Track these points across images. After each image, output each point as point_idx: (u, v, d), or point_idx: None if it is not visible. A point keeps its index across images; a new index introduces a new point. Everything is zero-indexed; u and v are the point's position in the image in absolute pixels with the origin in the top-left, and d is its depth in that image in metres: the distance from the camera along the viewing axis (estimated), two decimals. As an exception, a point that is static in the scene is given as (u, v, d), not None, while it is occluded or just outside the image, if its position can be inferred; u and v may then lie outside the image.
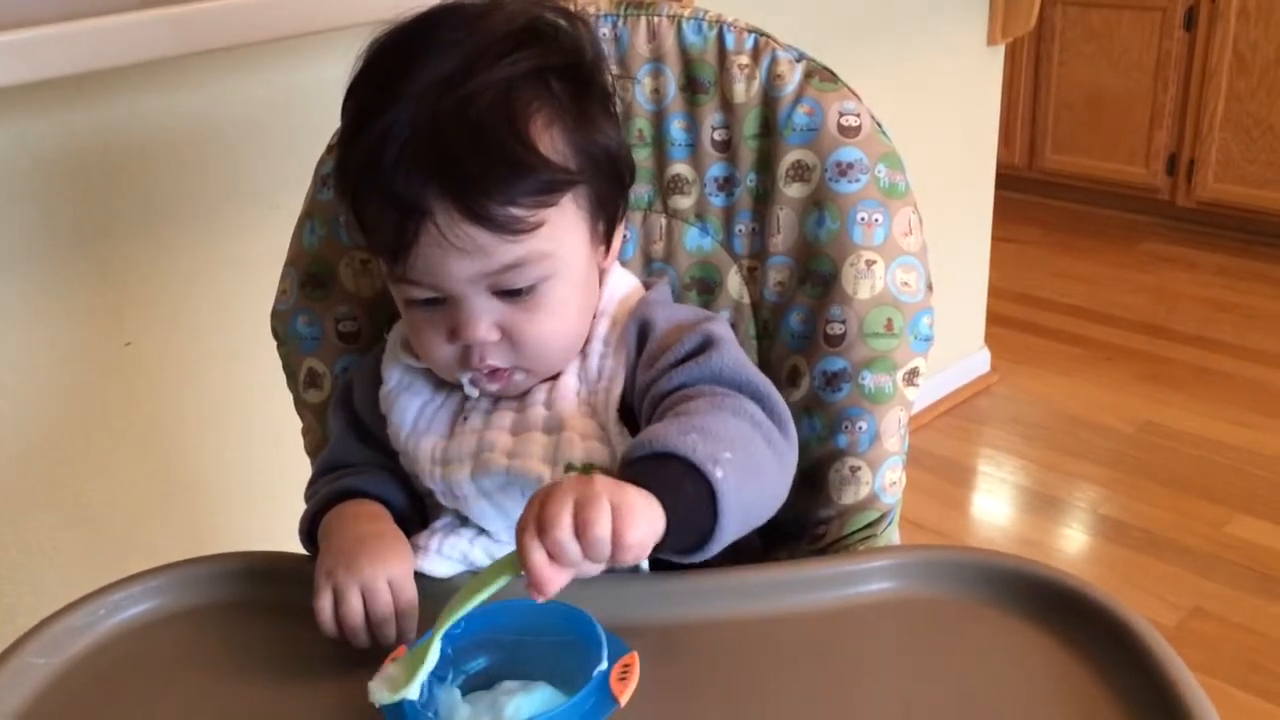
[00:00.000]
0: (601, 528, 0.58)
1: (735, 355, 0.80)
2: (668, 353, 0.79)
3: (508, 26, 0.76)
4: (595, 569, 0.61)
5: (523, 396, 0.82)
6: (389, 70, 0.75)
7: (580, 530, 0.58)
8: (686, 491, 0.65)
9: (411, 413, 0.83)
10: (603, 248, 0.83)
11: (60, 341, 1.34)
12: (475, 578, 0.64)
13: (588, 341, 0.83)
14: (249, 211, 1.43)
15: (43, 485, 1.37)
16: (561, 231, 0.77)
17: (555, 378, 0.82)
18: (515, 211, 0.73)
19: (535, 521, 0.59)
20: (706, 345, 0.79)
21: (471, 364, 0.78)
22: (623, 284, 0.87)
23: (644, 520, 0.60)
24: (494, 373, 0.80)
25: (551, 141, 0.76)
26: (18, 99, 1.19)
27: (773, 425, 0.75)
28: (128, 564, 0.86)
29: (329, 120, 0.98)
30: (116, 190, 1.33)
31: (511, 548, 0.66)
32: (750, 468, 0.70)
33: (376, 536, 0.78)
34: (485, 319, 0.77)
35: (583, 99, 0.79)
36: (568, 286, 0.79)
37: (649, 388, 0.78)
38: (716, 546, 0.68)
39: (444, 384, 0.84)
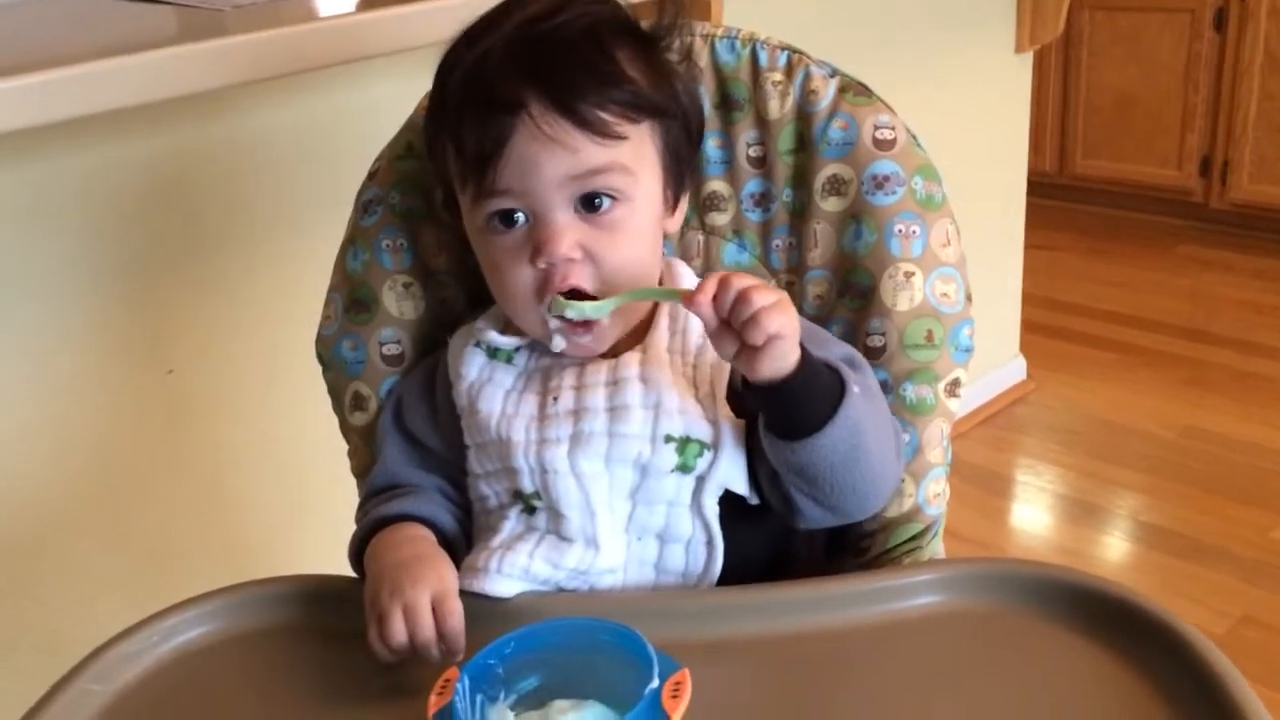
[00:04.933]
0: (762, 299, 0.71)
1: (874, 377, 0.87)
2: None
3: None
4: (728, 346, 0.74)
5: (614, 368, 0.83)
6: (479, 30, 0.82)
7: (742, 295, 0.71)
8: (822, 375, 0.76)
9: (498, 400, 0.85)
10: (669, 207, 0.86)
11: (103, 369, 1.36)
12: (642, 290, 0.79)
13: (681, 315, 0.85)
14: (290, 238, 1.44)
15: (86, 512, 1.39)
16: (640, 158, 0.81)
17: (645, 348, 0.84)
18: (604, 115, 0.78)
19: (719, 273, 0.73)
20: (854, 358, 0.85)
21: (553, 286, 0.80)
22: (689, 272, 0.90)
23: (790, 338, 0.72)
24: (584, 325, 0.81)
25: (636, 71, 0.81)
26: (59, 134, 1.21)
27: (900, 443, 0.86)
28: (170, 589, 0.87)
29: (369, 146, 0.99)
30: (157, 220, 1.35)
31: (572, 560, 0.81)
32: (875, 430, 0.79)
33: (417, 559, 0.79)
34: (568, 236, 0.79)
35: (659, 54, 0.84)
36: (641, 219, 0.82)
37: None
38: (823, 441, 0.75)
39: (524, 371, 0.86)
